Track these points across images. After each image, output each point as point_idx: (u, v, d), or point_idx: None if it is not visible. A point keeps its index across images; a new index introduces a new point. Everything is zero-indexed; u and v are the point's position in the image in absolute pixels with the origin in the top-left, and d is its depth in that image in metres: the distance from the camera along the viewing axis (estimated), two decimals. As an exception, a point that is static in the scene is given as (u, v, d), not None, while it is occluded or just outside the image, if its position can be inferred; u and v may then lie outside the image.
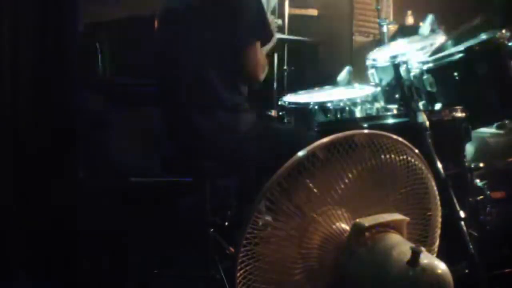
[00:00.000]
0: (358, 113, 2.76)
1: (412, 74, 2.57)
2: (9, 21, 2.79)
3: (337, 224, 1.59)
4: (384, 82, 2.92)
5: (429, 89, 2.65)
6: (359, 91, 2.94)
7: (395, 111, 2.77)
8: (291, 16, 3.99)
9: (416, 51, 2.80)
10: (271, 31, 2.61)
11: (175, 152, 2.62)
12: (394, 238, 1.56)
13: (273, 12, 3.70)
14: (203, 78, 2.47)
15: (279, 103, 3.03)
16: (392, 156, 1.62)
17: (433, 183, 1.73)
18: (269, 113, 3.38)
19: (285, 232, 1.54)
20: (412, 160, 1.66)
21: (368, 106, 2.80)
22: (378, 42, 3.58)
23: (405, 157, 1.64)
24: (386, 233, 1.56)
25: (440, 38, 2.91)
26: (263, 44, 2.54)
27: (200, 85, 2.48)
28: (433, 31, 2.92)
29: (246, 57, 2.48)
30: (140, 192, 3.40)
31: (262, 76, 2.58)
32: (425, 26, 2.93)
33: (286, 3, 3.88)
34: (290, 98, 3.04)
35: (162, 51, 2.65)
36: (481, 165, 2.60)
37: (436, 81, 2.63)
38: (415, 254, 1.44)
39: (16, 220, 2.84)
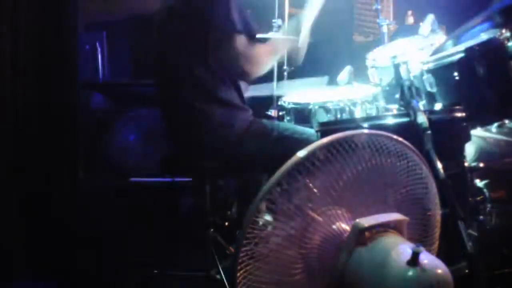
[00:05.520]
0: (358, 113, 2.76)
1: (412, 74, 2.57)
2: (9, 21, 2.79)
3: (337, 224, 1.59)
4: (384, 82, 2.92)
5: (429, 89, 2.64)
6: (359, 91, 2.94)
7: (395, 111, 2.77)
8: (291, 16, 3.98)
9: (416, 51, 2.80)
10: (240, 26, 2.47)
11: (175, 152, 2.62)
12: (394, 238, 1.56)
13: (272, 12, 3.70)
14: (193, 76, 2.46)
15: (279, 103, 3.03)
16: (392, 156, 1.62)
17: (433, 183, 1.73)
18: (269, 113, 3.37)
19: (285, 232, 1.54)
20: (412, 160, 1.66)
21: (368, 106, 2.80)
22: (378, 42, 3.57)
23: (405, 157, 1.64)
24: (386, 233, 1.56)
25: (440, 38, 2.90)
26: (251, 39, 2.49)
27: (192, 83, 2.47)
28: (433, 31, 2.92)
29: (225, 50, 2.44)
30: (140, 192, 3.41)
31: (253, 70, 2.51)
32: (425, 26, 2.93)
33: (286, 3, 3.88)
34: (290, 98, 3.03)
35: (158, 51, 2.65)
36: (481, 165, 2.59)
37: (436, 81, 2.63)
38: (415, 254, 1.45)
39: (16, 220, 2.84)
